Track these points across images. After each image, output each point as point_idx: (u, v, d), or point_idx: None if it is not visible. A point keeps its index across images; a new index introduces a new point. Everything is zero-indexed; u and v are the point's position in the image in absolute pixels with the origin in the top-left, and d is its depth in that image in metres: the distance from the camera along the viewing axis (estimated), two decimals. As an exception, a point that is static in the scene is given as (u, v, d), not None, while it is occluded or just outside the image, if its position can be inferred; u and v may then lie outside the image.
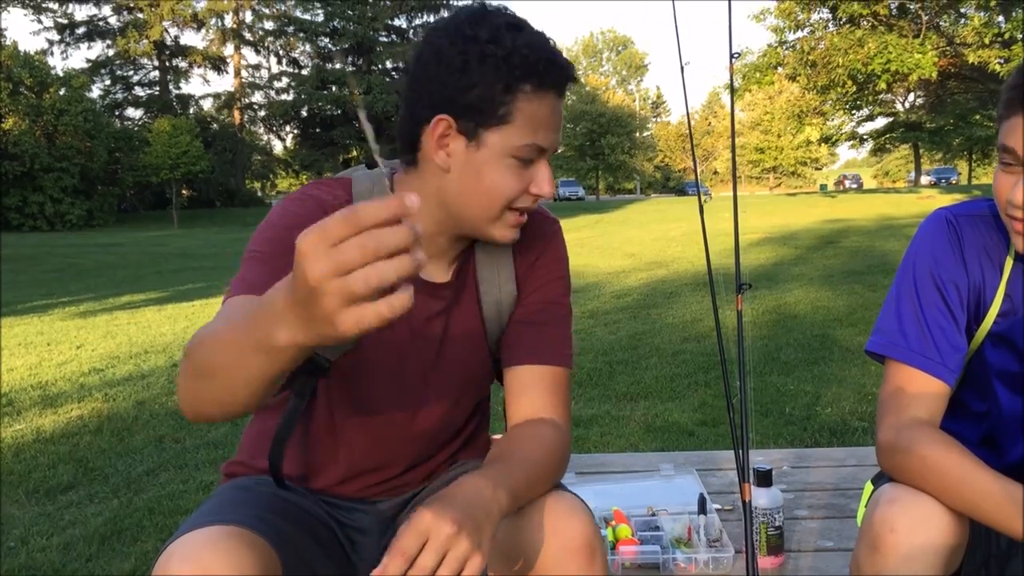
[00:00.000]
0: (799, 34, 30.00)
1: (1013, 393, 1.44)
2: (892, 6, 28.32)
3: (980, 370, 1.47)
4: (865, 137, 40.78)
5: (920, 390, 1.40)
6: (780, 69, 30.03)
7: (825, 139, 41.15)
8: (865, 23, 28.21)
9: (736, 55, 1.50)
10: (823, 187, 66.36)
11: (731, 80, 1.53)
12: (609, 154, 63.15)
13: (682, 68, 1.63)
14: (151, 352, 7.45)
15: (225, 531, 1.16)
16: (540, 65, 1.23)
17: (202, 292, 12.59)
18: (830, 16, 29.29)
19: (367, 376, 1.39)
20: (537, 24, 1.29)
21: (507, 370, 1.43)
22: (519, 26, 1.25)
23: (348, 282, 0.74)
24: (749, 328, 7.31)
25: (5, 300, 12.48)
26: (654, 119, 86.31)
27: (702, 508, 1.62)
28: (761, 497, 1.47)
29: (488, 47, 1.21)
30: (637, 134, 68.04)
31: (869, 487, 1.49)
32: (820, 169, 66.61)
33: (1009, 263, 1.42)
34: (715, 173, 76.90)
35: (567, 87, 1.30)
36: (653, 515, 1.68)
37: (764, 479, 1.51)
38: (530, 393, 1.40)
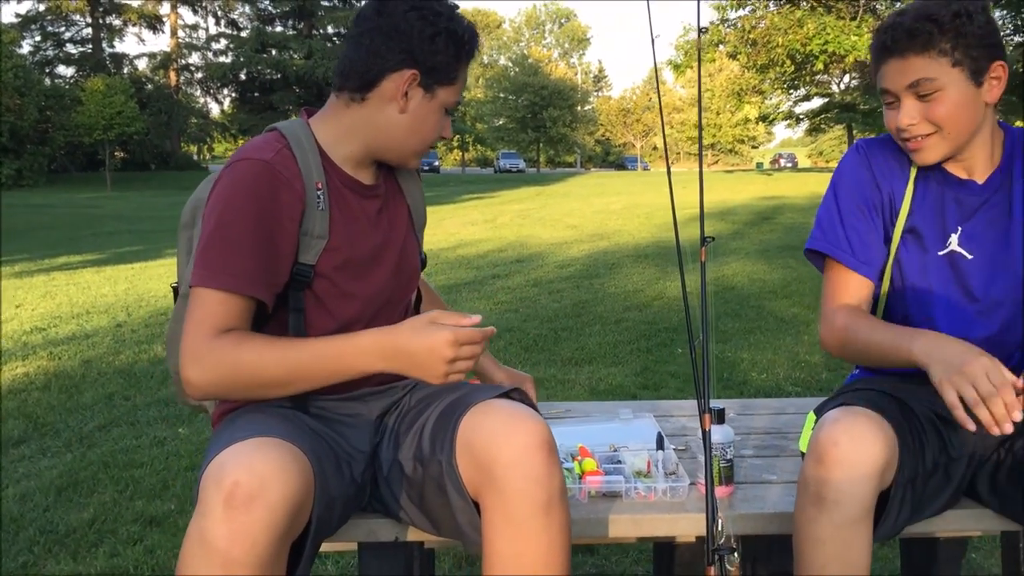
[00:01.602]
0: (740, 12, 30.42)
1: (924, 272, 1.76)
2: (831, -12, 28.90)
3: (899, 267, 1.78)
4: (801, 117, 41.48)
5: (846, 283, 1.76)
6: (722, 47, 30.43)
7: (763, 118, 41.83)
8: (805, 4, 28.73)
9: (705, 30, 1.66)
10: (759, 165, 67.44)
11: (699, 58, 1.68)
12: (551, 127, 63.20)
13: (652, 41, 1.75)
14: (93, 312, 7.40)
15: (268, 441, 1.33)
16: (474, 41, 1.64)
17: (141, 255, 12.44)
18: (772, -4, 29.78)
19: (347, 272, 1.63)
20: None
21: None
22: (457, 6, 1.63)
23: (456, 366, 1.42)
24: (689, 297, 7.52)
25: (-64, 259, 12.20)
26: (596, 93, 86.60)
27: (660, 445, 1.77)
28: (716, 433, 1.62)
29: (450, 24, 1.58)
30: (579, 108, 68.15)
31: (812, 417, 1.70)
32: (757, 148, 67.68)
33: (913, 172, 1.76)
34: (654, 148, 77.51)
35: None
36: (615, 451, 1.82)
37: (719, 417, 1.66)
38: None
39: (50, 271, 10.62)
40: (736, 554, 1.26)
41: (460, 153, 78.28)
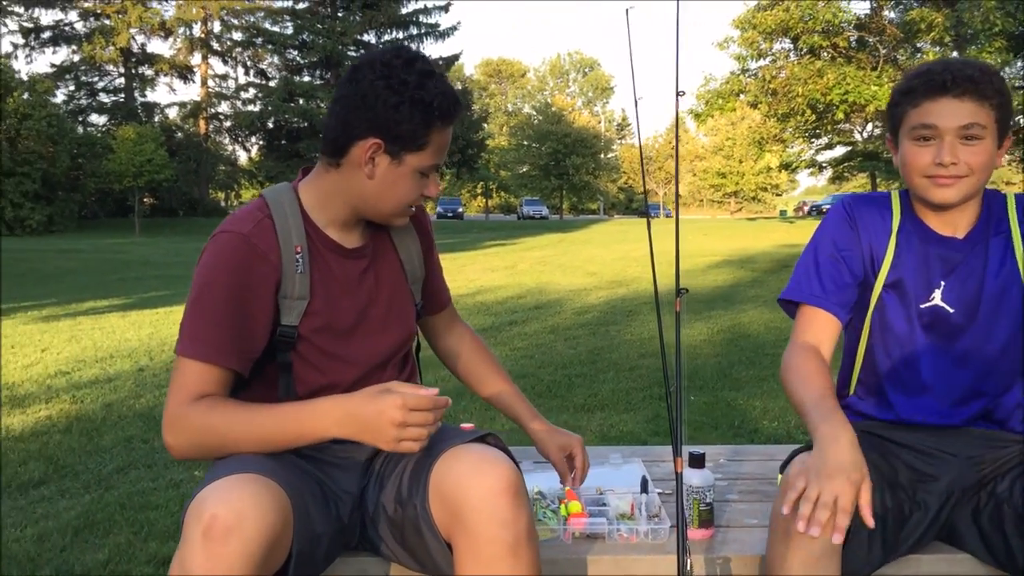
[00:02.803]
0: (761, 63, 30.69)
1: (907, 324, 1.81)
2: (852, 39, 29.08)
3: (880, 318, 1.84)
4: (824, 165, 41.53)
5: (810, 322, 1.81)
6: (742, 96, 30.64)
7: (785, 166, 41.86)
8: (825, 54, 28.93)
9: (681, 93, 1.76)
10: (783, 212, 67.36)
11: (676, 116, 1.76)
12: (573, 174, 63.56)
13: (636, 102, 1.84)
14: (116, 356, 7.53)
15: (246, 477, 1.41)
16: (449, 107, 1.65)
17: (166, 300, 12.62)
18: (791, 47, 29.99)
19: (330, 333, 1.72)
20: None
21: (433, 317, 2.06)
22: (435, 73, 1.66)
23: (407, 432, 1.48)
24: (704, 346, 7.56)
25: (-34, 303, 12.44)
26: (619, 140, 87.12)
27: (644, 488, 1.84)
28: (694, 477, 1.68)
29: (416, 93, 1.61)
30: (602, 155, 68.57)
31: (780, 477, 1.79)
32: (780, 195, 67.66)
33: (895, 226, 1.83)
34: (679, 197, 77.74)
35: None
36: (601, 494, 1.89)
37: (697, 461, 1.73)
38: (454, 313, 2.13)
39: (76, 315, 10.80)
40: (705, 593, 1.31)
41: (484, 200, 78.80)
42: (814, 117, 29.61)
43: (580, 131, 64.31)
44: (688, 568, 1.32)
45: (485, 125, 60.26)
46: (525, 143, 66.06)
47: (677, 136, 1.83)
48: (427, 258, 1.97)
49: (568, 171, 63.23)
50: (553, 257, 19.87)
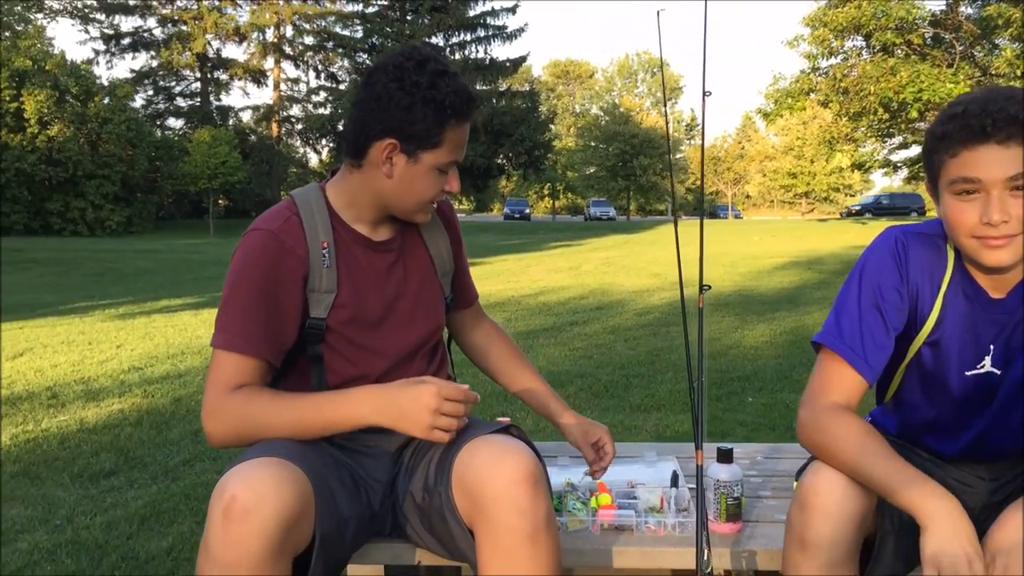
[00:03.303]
0: (832, 61, 30.15)
1: (950, 385, 1.68)
2: (926, 36, 28.40)
3: (917, 368, 1.72)
4: (899, 164, 40.63)
5: (842, 378, 1.65)
6: (812, 95, 30.15)
7: (857, 166, 41.03)
8: (899, 52, 28.30)
9: (708, 93, 1.76)
10: (847, 211, 65.96)
11: (703, 114, 1.78)
12: (641, 175, 63.16)
13: (664, 102, 1.87)
14: (187, 353, 7.76)
15: (268, 461, 1.49)
16: (462, 105, 1.69)
17: (236, 299, 12.90)
18: (863, 44, 29.40)
19: (359, 325, 1.78)
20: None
21: (460, 313, 2.12)
22: (448, 72, 1.69)
23: (440, 421, 1.59)
24: (766, 347, 7.49)
25: (48, 301, 12.92)
26: (687, 141, 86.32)
27: (674, 483, 1.87)
28: (722, 472, 1.71)
29: (428, 92, 1.66)
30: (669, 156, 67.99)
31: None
32: (854, 196, 66.37)
33: (946, 280, 1.65)
34: (748, 197, 76.77)
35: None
36: (632, 488, 1.92)
37: (725, 456, 1.75)
38: (480, 310, 2.17)
39: (151, 313, 11.14)
40: (722, 582, 1.34)
41: (551, 201, 78.82)
42: (887, 116, 29.00)
43: (648, 132, 63.93)
44: (706, 558, 1.36)
45: (552, 126, 60.27)
46: (592, 144, 65.89)
47: (703, 134, 1.86)
48: (456, 253, 2.02)
49: (635, 172, 62.87)
50: (618, 258, 19.82)
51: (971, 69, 26.97)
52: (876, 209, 52.31)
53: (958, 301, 1.64)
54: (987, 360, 1.65)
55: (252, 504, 1.41)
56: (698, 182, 78.46)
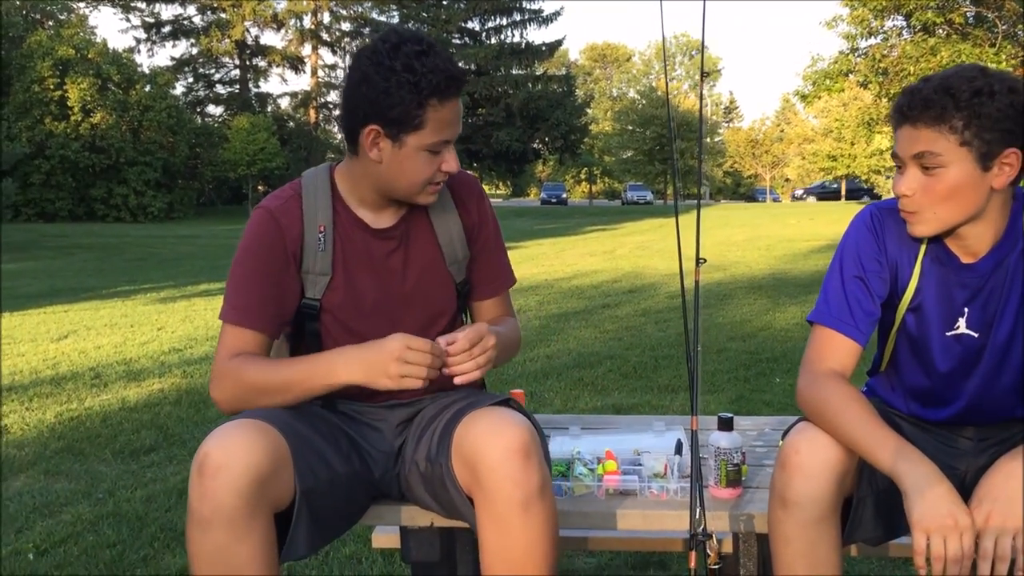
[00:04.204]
0: (871, 41, 29.71)
1: (932, 347, 1.77)
2: (968, 15, 27.89)
3: (905, 335, 1.81)
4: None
5: (834, 345, 1.74)
6: (851, 76, 29.76)
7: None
8: (940, 31, 27.83)
9: (707, 74, 1.81)
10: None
11: (700, 96, 1.84)
12: (678, 159, 62.74)
13: (667, 84, 1.93)
14: (225, 336, 7.94)
15: (244, 422, 1.62)
16: (441, 83, 1.67)
17: (274, 283, 13.11)
18: (904, 24, 28.95)
19: (352, 309, 1.84)
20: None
21: (482, 303, 2.02)
22: (426, 51, 1.67)
23: (407, 368, 1.60)
24: (796, 329, 7.49)
25: (92, 285, 13.23)
26: (725, 124, 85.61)
27: (678, 450, 1.95)
28: (722, 439, 1.78)
29: (403, 75, 1.65)
30: (708, 139, 67.49)
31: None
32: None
33: (923, 248, 1.74)
34: (787, 180, 75.97)
35: (463, 89, 1.74)
36: (638, 455, 2.00)
37: (726, 424, 1.83)
38: (500, 306, 2.04)
39: (192, 297, 11.38)
40: (714, 539, 1.42)
41: (588, 185, 78.63)
42: (928, 97, 28.50)
43: (685, 115, 63.44)
44: (698, 518, 1.43)
45: (588, 110, 60.10)
46: (629, 128, 65.57)
47: (701, 117, 1.92)
48: (475, 238, 1.96)
49: (672, 156, 62.32)
50: (653, 242, 19.81)
51: (1014, 48, 26.44)
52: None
53: (934, 268, 1.73)
54: (961, 321, 1.73)
55: (223, 461, 1.52)
56: (736, 165, 78.10)
